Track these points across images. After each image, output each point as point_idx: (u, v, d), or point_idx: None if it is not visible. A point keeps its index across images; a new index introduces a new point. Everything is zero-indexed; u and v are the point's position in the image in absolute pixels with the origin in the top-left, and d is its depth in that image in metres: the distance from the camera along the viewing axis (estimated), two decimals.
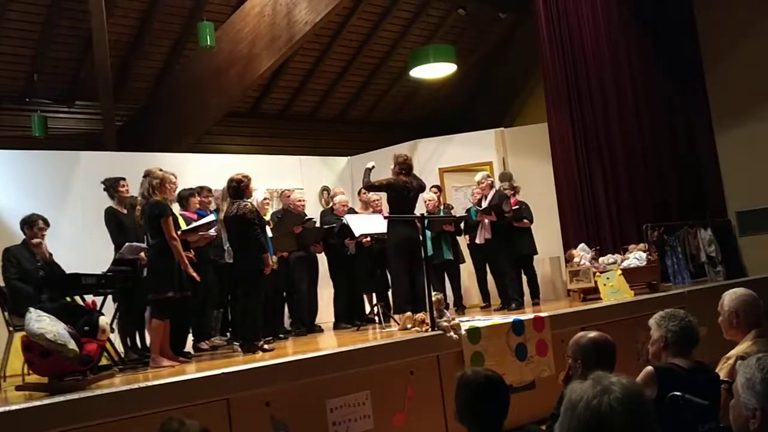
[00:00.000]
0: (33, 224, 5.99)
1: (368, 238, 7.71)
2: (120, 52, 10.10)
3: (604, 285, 7.37)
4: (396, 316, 6.56)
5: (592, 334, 3.30)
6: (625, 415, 1.68)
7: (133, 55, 10.36)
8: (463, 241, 8.88)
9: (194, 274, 5.58)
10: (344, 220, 7.79)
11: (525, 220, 8.02)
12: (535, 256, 8.31)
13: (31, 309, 4.33)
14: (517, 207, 8.00)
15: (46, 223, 6.09)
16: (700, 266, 9.15)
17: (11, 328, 5.65)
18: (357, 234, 7.43)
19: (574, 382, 1.81)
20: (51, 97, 10.27)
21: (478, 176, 8.24)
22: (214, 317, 7.07)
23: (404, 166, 6.78)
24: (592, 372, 1.88)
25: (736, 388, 2.11)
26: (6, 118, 9.91)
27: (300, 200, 8.13)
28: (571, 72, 9.05)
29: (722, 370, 3.44)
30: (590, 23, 9.14)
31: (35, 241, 5.93)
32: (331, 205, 8.59)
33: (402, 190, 6.68)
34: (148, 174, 5.60)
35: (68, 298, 5.55)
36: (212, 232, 6.41)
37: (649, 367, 3.15)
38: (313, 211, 8.82)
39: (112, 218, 6.26)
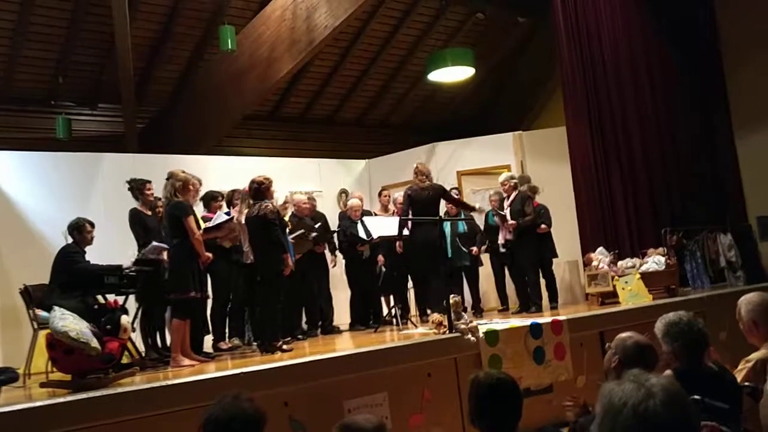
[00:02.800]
0: (82, 228, 6.10)
1: (399, 244, 7.70)
2: (142, 56, 10.23)
3: (623, 289, 7.35)
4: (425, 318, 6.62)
5: (639, 337, 3.32)
6: (672, 418, 1.67)
7: (155, 59, 10.49)
8: None
9: (207, 255, 5.66)
10: (358, 226, 7.84)
11: (543, 226, 8.00)
12: (554, 260, 8.30)
13: (55, 307, 4.41)
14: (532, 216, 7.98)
15: (93, 226, 6.20)
16: (720, 271, 9.08)
17: (36, 326, 5.75)
18: (375, 236, 7.47)
19: (610, 383, 1.80)
20: (75, 100, 10.43)
21: (502, 177, 8.22)
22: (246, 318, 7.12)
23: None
24: (626, 371, 1.87)
25: (766, 388, 2.08)
26: (31, 120, 10.06)
27: (305, 203, 7.93)
28: (590, 76, 9.03)
29: (741, 372, 3.44)
30: (609, 27, 9.11)
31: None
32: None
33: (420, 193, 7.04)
34: (171, 176, 5.67)
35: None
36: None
37: (669, 371, 3.16)
38: (332, 213, 8.86)
39: (137, 219, 6.34)
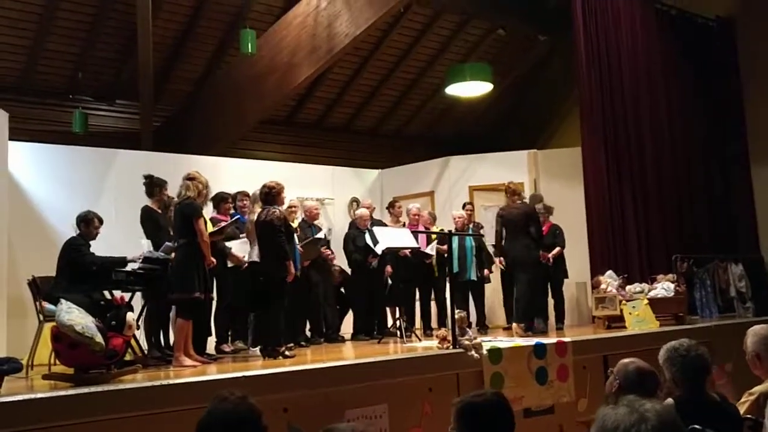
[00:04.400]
0: (90, 222, 6.12)
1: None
2: (163, 54, 10.30)
3: (630, 314, 7.31)
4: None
5: (641, 364, 3.30)
6: None
7: (176, 58, 10.56)
8: None
9: (211, 259, 5.67)
10: (367, 237, 7.83)
11: (556, 250, 7.98)
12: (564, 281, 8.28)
13: (62, 300, 4.43)
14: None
15: (101, 222, 6.21)
16: (729, 301, 9.02)
17: (41, 318, 5.77)
18: (383, 247, 7.46)
19: (605, 407, 1.79)
20: (93, 95, 10.49)
21: None
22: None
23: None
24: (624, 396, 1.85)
25: (766, 422, 2.07)
26: (49, 113, 10.13)
27: (316, 208, 7.99)
28: (608, 98, 8.99)
29: (744, 404, 3.41)
30: (629, 50, 9.09)
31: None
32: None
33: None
34: (193, 178, 5.67)
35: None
36: (244, 255, 6.51)
37: (670, 400, 3.13)
38: (342, 221, 8.86)
39: (148, 217, 6.33)
